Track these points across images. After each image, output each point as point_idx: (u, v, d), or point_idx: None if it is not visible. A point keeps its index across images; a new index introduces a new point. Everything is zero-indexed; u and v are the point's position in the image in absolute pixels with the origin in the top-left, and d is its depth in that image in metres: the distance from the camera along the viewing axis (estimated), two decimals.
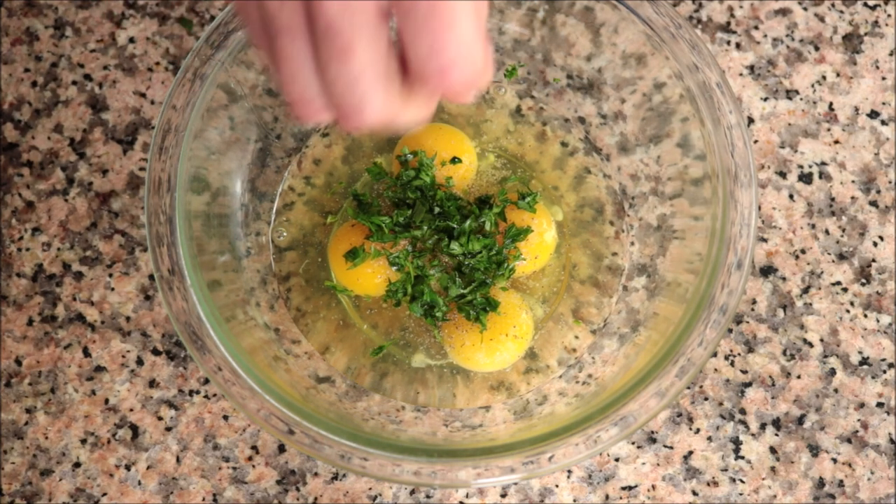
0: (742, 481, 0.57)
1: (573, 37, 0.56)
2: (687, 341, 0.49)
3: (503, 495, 0.57)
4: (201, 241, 0.52)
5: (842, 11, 0.63)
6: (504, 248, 0.56)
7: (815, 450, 0.58)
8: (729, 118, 0.51)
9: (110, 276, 0.59)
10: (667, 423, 0.58)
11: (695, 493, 0.57)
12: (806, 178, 0.61)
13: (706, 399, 0.58)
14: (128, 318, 0.59)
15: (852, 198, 0.61)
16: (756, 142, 0.61)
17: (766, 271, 0.60)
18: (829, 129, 0.61)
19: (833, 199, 0.61)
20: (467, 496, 0.57)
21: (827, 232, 0.60)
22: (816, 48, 0.62)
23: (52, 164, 0.61)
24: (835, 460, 0.58)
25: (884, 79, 0.62)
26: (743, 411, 0.58)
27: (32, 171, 0.61)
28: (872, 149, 0.61)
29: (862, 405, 0.58)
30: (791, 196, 0.61)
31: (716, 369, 0.59)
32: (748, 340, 0.59)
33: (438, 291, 0.57)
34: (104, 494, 0.57)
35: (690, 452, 0.58)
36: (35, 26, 0.62)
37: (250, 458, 0.57)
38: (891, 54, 0.62)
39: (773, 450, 0.58)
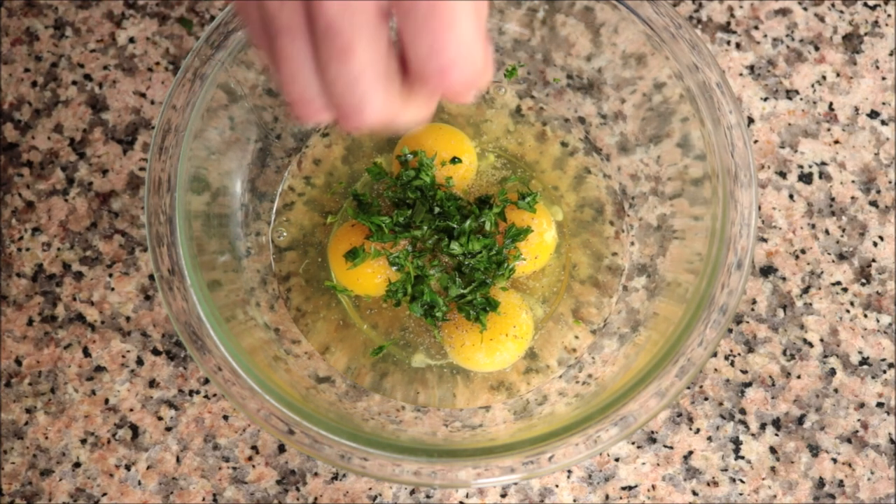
0: (742, 481, 0.57)
1: (573, 37, 0.56)
2: (687, 341, 0.49)
3: (503, 495, 0.57)
4: (201, 241, 0.52)
5: (842, 11, 0.63)
6: (504, 248, 0.56)
7: (815, 450, 0.58)
8: (729, 118, 0.51)
9: (110, 276, 0.59)
10: (667, 423, 0.58)
11: (695, 493, 0.57)
12: (806, 178, 0.61)
13: (706, 399, 0.58)
14: (128, 318, 0.59)
15: (852, 198, 0.61)
16: (756, 142, 0.61)
17: (766, 271, 0.60)
18: (829, 129, 0.61)
19: (833, 199, 0.61)
20: (467, 496, 0.57)
21: (827, 232, 0.60)
22: (816, 48, 0.62)
23: (52, 164, 0.61)
24: (835, 460, 0.58)
25: (884, 79, 0.62)
26: (743, 411, 0.58)
27: (32, 171, 0.61)
28: (872, 149, 0.61)
29: (862, 405, 0.58)
30: (791, 196, 0.61)
31: (716, 369, 0.59)
32: (748, 340, 0.59)
33: (438, 291, 0.57)
34: (104, 494, 0.57)
35: (690, 452, 0.58)
36: (35, 26, 0.62)
37: (250, 458, 0.57)
38: (891, 54, 0.62)
39: (773, 450, 0.58)
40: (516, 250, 0.56)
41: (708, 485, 0.57)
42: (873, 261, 0.60)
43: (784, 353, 0.59)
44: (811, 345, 0.59)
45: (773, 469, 0.57)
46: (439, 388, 0.57)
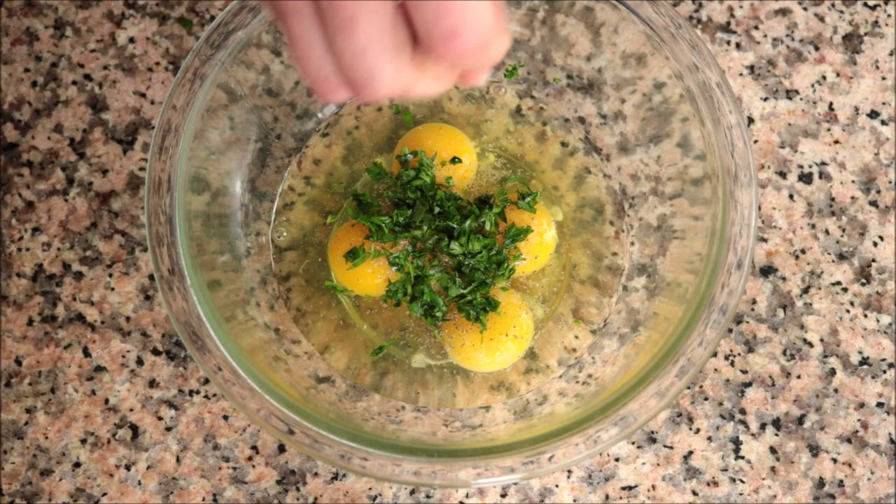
0: (742, 481, 0.57)
1: (573, 37, 0.56)
2: (687, 341, 0.49)
3: (503, 495, 0.57)
4: (201, 241, 0.52)
5: (842, 11, 0.63)
6: (504, 248, 0.56)
7: (815, 450, 0.58)
8: (729, 118, 0.51)
9: (110, 276, 0.59)
10: (667, 423, 0.58)
11: (695, 493, 0.57)
12: (806, 178, 0.61)
13: (706, 399, 0.58)
14: (128, 318, 0.59)
15: (852, 198, 0.61)
16: (756, 142, 0.61)
17: (766, 271, 0.60)
18: (829, 129, 0.61)
19: (833, 199, 0.61)
20: (467, 496, 0.57)
21: (827, 232, 0.60)
22: (816, 48, 0.62)
23: (52, 164, 0.61)
24: (835, 460, 0.58)
25: (884, 79, 0.62)
26: (743, 411, 0.58)
27: (32, 171, 0.61)
28: (872, 149, 0.61)
29: (862, 405, 0.58)
30: (791, 196, 0.61)
31: (716, 369, 0.59)
32: (748, 340, 0.59)
33: (438, 291, 0.57)
34: (104, 494, 0.57)
35: (690, 452, 0.58)
36: (35, 26, 0.62)
37: (250, 458, 0.57)
38: (891, 54, 0.62)
39: (773, 450, 0.58)
40: (516, 250, 0.56)
41: (708, 485, 0.57)
42: (873, 261, 0.60)
43: (784, 353, 0.59)
44: (811, 345, 0.59)
45: (773, 469, 0.57)
46: (439, 388, 0.57)
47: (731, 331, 0.59)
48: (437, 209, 0.56)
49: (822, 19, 0.63)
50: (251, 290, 0.56)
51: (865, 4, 0.63)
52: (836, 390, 0.58)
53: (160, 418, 0.58)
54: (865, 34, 0.62)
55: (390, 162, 0.59)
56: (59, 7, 0.62)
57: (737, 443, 0.58)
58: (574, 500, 0.57)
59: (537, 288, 0.58)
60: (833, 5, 0.63)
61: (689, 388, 0.58)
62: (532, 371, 0.57)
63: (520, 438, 0.49)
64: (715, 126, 0.51)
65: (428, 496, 0.57)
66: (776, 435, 0.58)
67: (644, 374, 0.49)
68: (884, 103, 0.62)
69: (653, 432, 0.58)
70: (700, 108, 0.51)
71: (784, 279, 0.60)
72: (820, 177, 0.61)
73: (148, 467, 0.57)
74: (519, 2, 0.55)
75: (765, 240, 0.60)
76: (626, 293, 0.57)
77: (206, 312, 0.49)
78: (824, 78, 0.62)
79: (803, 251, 0.60)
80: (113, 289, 0.59)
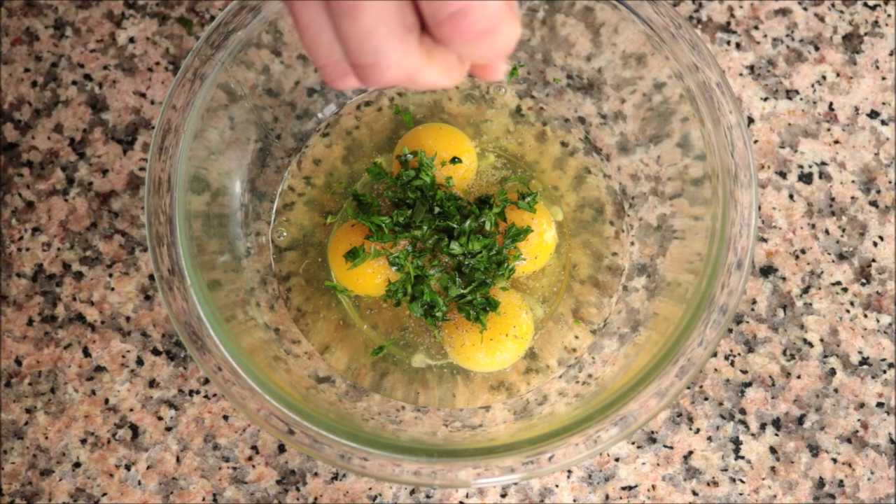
0: (742, 481, 0.57)
1: (573, 37, 0.56)
2: (687, 341, 0.49)
3: (503, 495, 0.57)
4: (201, 241, 0.52)
5: (842, 11, 0.63)
6: (504, 248, 0.56)
7: (815, 450, 0.58)
8: (729, 118, 0.51)
9: (110, 276, 0.59)
10: (667, 423, 0.58)
11: (695, 493, 0.57)
12: (806, 178, 0.61)
13: (706, 399, 0.58)
14: (128, 318, 0.59)
15: (852, 198, 0.61)
16: (756, 142, 0.61)
17: (766, 271, 0.60)
18: (829, 129, 0.61)
19: (833, 199, 0.61)
20: (467, 496, 0.57)
21: (827, 232, 0.60)
22: (816, 48, 0.62)
23: (52, 164, 0.61)
24: (835, 460, 0.58)
25: (884, 79, 0.62)
26: (743, 411, 0.58)
27: (32, 171, 0.61)
28: (872, 149, 0.61)
29: (862, 405, 0.58)
30: (791, 196, 0.61)
31: (716, 369, 0.59)
32: (748, 340, 0.59)
33: (438, 291, 0.57)
34: (104, 494, 0.57)
35: (690, 452, 0.58)
36: (35, 26, 0.62)
37: (250, 458, 0.57)
38: (891, 54, 0.62)
39: (773, 450, 0.58)
40: (516, 250, 0.56)
41: (708, 485, 0.57)
42: (873, 261, 0.60)
43: (784, 353, 0.59)
44: (811, 345, 0.59)
45: (773, 469, 0.57)
46: (439, 388, 0.57)
47: (731, 331, 0.59)
48: (437, 209, 0.56)
49: (822, 19, 0.63)
50: (251, 290, 0.56)
51: (865, 4, 0.63)
52: (836, 390, 0.58)
53: (160, 418, 0.58)
54: (865, 34, 0.62)
55: (390, 162, 0.59)
56: (59, 7, 0.62)
57: (737, 443, 0.58)
58: (574, 500, 0.57)
59: (537, 288, 0.58)
60: (833, 5, 0.63)
61: (689, 388, 0.58)
62: (532, 371, 0.57)
63: (520, 438, 0.49)
64: (715, 126, 0.51)
65: (428, 496, 0.57)
66: (776, 435, 0.58)
67: (644, 374, 0.49)
68: (884, 103, 0.62)
69: (653, 432, 0.58)
70: (700, 108, 0.51)
71: (784, 279, 0.60)
72: (820, 177, 0.61)
73: (148, 467, 0.57)
74: (519, 2, 0.55)
75: (765, 240, 0.60)
76: (626, 293, 0.57)
77: (206, 312, 0.49)
78: (824, 78, 0.62)
79: (803, 251, 0.60)
80: (113, 289, 0.59)
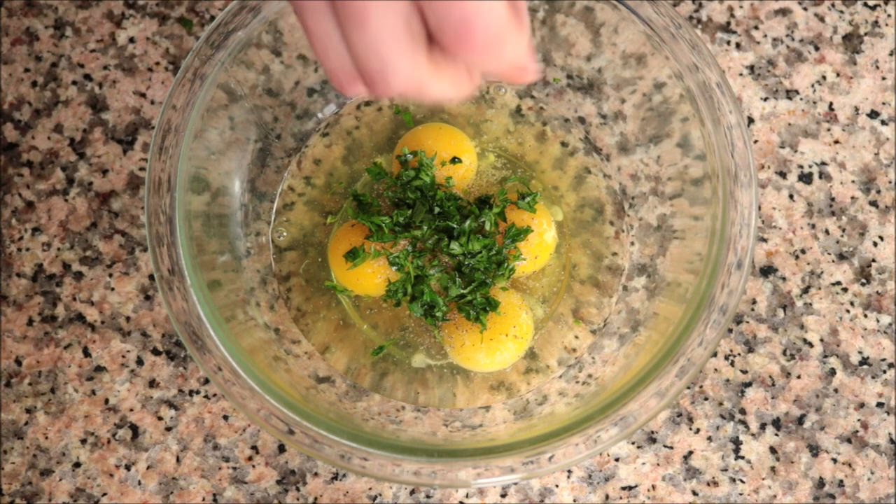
0: (742, 481, 0.57)
1: (573, 37, 0.56)
2: (687, 341, 0.49)
3: (503, 495, 0.57)
4: (201, 241, 0.52)
5: (842, 11, 0.63)
6: (504, 248, 0.56)
7: (815, 450, 0.58)
8: (729, 118, 0.51)
9: (110, 276, 0.59)
10: (667, 423, 0.58)
11: (695, 493, 0.57)
12: (806, 178, 0.61)
13: (706, 399, 0.58)
14: (128, 318, 0.59)
15: (852, 198, 0.61)
16: (756, 142, 0.61)
17: (766, 271, 0.60)
18: (829, 129, 0.61)
19: (833, 199, 0.61)
20: (467, 496, 0.57)
21: (827, 232, 0.60)
22: (816, 48, 0.62)
23: (52, 164, 0.61)
24: (835, 460, 0.58)
25: (884, 79, 0.62)
26: (743, 411, 0.58)
27: (32, 171, 0.61)
28: (872, 149, 0.61)
29: (862, 405, 0.58)
30: (791, 196, 0.61)
31: (716, 369, 0.59)
32: (748, 340, 0.59)
33: (438, 291, 0.57)
34: (104, 494, 0.57)
35: (690, 452, 0.58)
36: (35, 26, 0.62)
37: (250, 458, 0.57)
38: (891, 54, 0.62)
39: (773, 450, 0.58)
40: (516, 250, 0.56)
41: (708, 485, 0.57)
42: (873, 261, 0.60)
43: (784, 353, 0.59)
44: (811, 345, 0.59)
45: (773, 469, 0.57)
46: (439, 388, 0.57)
47: (731, 331, 0.59)
48: (437, 209, 0.56)
49: (822, 19, 0.63)
50: (251, 290, 0.56)
51: (865, 4, 0.63)
52: (836, 390, 0.58)
53: (160, 418, 0.58)
54: (865, 34, 0.62)
55: (390, 162, 0.59)
56: (59, 7, 0.62)
57: (737, 443, 0.58)
58: (574, 500, 0.57)
59: (537, 288, 0.58)
60: (833, 5, 0.63)
61: (689, 388, 0.58)
62: (532, 371, 0.57)
63: (520, 438, 0.49)
64: (715, 126, 0.51)
65: (428, 496, 0.57)
66: (776, 435, 0.58)
67: (644, 374, 0.49)
68: (884, 103, 0.62)
69: (653, 432, 0.58)
70: (700, 108, 0.51)
71: (784, 279, 0.60)
72: (820, 177, 0.61)
73: (148, 467, 0.57)
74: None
75: (765, 240, 0.60)
76: (626, 293, 0.57)
77: (206, 312, 0.49)
78: (824, 78, 0.62)
79: (803, 251, 0.60)
80: (113, 289, 0.59)
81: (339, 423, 0.49)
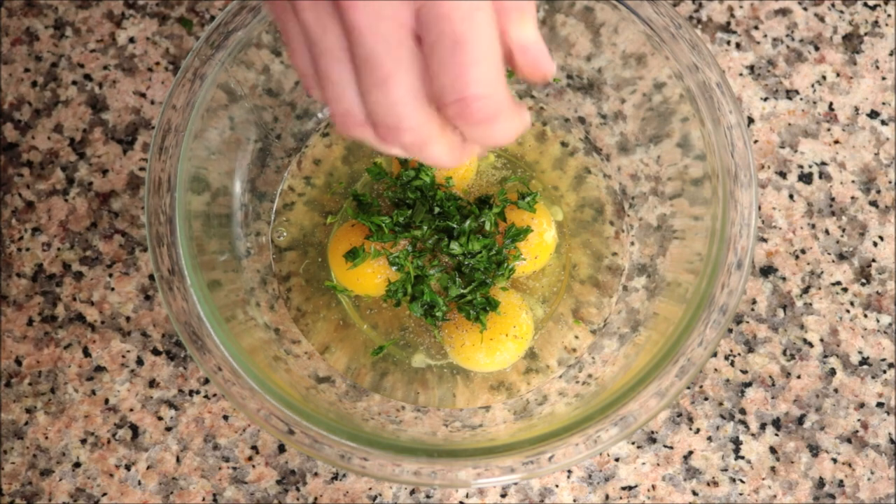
0: (742, 481, 0.57)
1: (573, 37, 0.56)
2: (687, 341, 0.49)
3: (503, 495, 0.57)
4: (201, 241, 0.52)
5: (842, 11, 0.63)
6: (504, 248, 0.56)
7: (815, 450, 0.58)
8: (729, 118, 0.51)
9: (110, 276, 0.59)
10: (667, 423, 0.58)
11: (695, 493, 0.57)
12: (806, 178, 0.61)
13: (706, 399, 0.58)
14: (128, 318, 0.59)
15: (852, 198, 0.61)
16: (756, 142, 0.61)
17: (766, 271, 0.60)
18: (829, 129, 0.61)
19: (833, 199, 0.61)
20: (467, 496, 0.57)
21: (827, 232, 0.60)
22: (816, 48, 0.62)
23: (52, 164, 0.61)
24: (835, 460, 0.58)
25: (884, 79, 0.62)
26: (743, 411, 0.58)
27: (32, 171, 0.61)
28: (872, 149, 0.61)
29: (862, 405, 0.58)
30: (791, 196, 0.61)
31: (716, 369, 0.59)
32: (748, 340, 0.59)
33: (438, 291, 0.57)
34: (104, 494, 0.57)
35: (690, 452, 0.58)
36: (35, 26, 0.62)
37: (250, 458, 0.57)
38: (891, 54, 0.62)
39: (773, 450, 0.58)
40: (516, 250, 0.56)
41: (708, 485, 0.57)
42: (873, 261, 0.60)
43: (784, 353, 0.59)
44: (811, 345, 0.59)
45: (773, 469, 0.57)
46: (439, 388, 0.57)
47: (731, 331, 0.59)
48: (437, 209, 0.56)
49: (822, 19, 0.63)
50: (251, 290, 0.56)
51: (865, 4, 0.63)
52: (836, 390, 0.58)
53: (160, 418, 0.58)
54: (865, 34, 0.63)
55: (390, 162, 0.59)
56: (59, 7, 0.62)
57: (737, 443, 0.58)
58: (574, 500, 0.57)
59: (537, 288, 0.58)
60: (833, 5, 0.63)
61: (689, 388, 0.58)
62: (532, 371, 0.57)
63: (520, 438, 0.49)
64: (715, 126, 0.51)
65: (428, 496, 0.57)
66: (776, 435, 0.58)
67: (644, 374, 0.49)
68: (884, 103, 0.62)
69: (653, 432, 0.58)
70: (700, 108, 0.51)
71: (784, 279, 0.60)
72: (820, 177, 0.61)
73: (148, 467, 0.57)
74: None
75: (765, 240, 0.60)
76: (626, 293, 0.57)
77: (206, 312, 0.49)
78: (824, 78, 0.62)
79: (803, 251, 0.60)
80: (113, 289, 0.59)
81: (339, 423, 0.49)
